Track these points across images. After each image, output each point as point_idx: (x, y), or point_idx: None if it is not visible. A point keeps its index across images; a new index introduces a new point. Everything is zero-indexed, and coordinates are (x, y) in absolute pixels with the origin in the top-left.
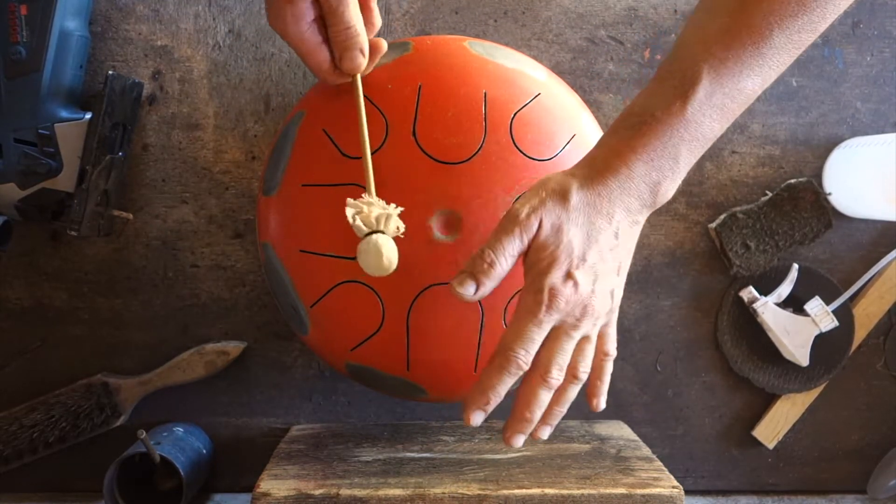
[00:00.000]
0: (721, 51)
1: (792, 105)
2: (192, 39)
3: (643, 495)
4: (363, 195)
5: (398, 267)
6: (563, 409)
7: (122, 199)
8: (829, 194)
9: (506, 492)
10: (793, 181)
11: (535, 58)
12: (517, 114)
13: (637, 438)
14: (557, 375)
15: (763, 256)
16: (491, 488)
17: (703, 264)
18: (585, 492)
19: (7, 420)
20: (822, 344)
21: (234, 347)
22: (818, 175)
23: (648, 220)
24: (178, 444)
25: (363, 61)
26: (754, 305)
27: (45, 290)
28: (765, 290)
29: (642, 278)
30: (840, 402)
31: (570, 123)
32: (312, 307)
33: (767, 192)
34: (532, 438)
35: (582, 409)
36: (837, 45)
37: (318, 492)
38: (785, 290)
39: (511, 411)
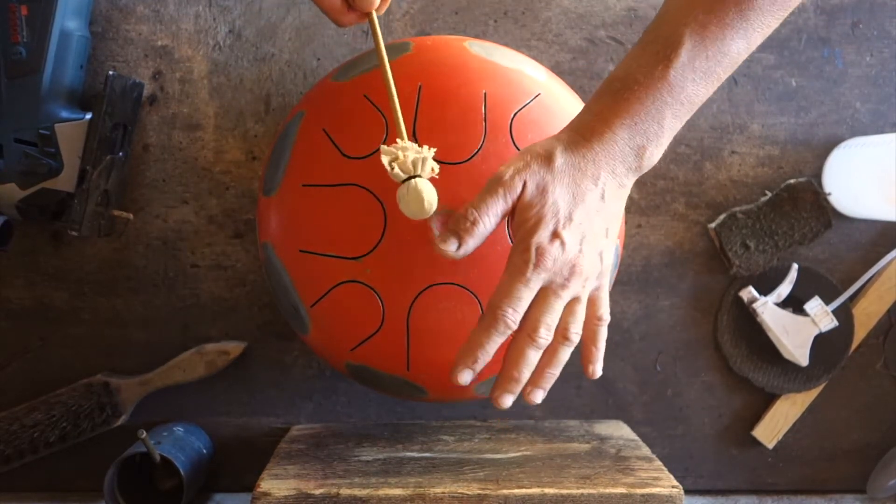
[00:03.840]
0: (704, 14)
1: (791, 105)
2: (193, 40)
3: (643, 495)
4: (397, 140)
5: (398, 267)
6: (556, 370)
7: (123, 199)
8: (829, 194)
9: (506, 491)
10: (792, 181)
11: (534, 58)
12: (517, 114)
13: (637, 438)
14: (545, 335)
15: (762, 256)
16: (491, 488)
17: (703, 264)
18: (585, 491)
19: (8, 419)
20: (821, 344)
21: (234, 347)
22: (818, 175)
23: (648, 220)
24: (179, 444)
25: None
26: (754, 305)
27: (46, 290)
28: (764, 290)
29: (642, 278)
30: (839, 401)
31: None
32: (313, 307)
33: (767, 192)
34: (525, 402)
35: (582, 409)
36: (837, 46)
37: (318, 491)
38: (784, 289)
39: (499, 372)
